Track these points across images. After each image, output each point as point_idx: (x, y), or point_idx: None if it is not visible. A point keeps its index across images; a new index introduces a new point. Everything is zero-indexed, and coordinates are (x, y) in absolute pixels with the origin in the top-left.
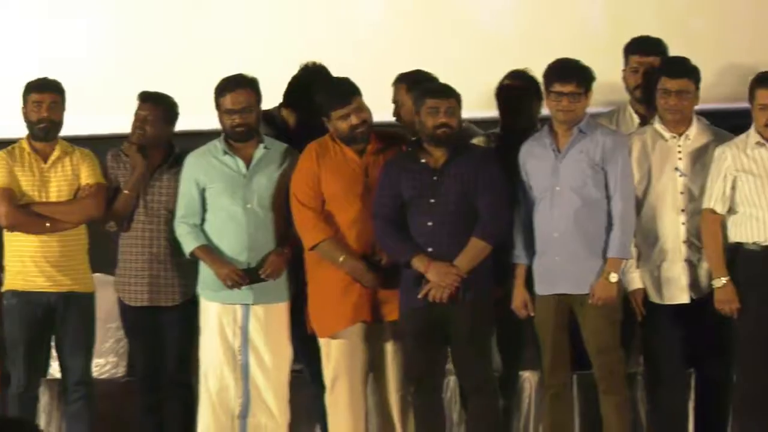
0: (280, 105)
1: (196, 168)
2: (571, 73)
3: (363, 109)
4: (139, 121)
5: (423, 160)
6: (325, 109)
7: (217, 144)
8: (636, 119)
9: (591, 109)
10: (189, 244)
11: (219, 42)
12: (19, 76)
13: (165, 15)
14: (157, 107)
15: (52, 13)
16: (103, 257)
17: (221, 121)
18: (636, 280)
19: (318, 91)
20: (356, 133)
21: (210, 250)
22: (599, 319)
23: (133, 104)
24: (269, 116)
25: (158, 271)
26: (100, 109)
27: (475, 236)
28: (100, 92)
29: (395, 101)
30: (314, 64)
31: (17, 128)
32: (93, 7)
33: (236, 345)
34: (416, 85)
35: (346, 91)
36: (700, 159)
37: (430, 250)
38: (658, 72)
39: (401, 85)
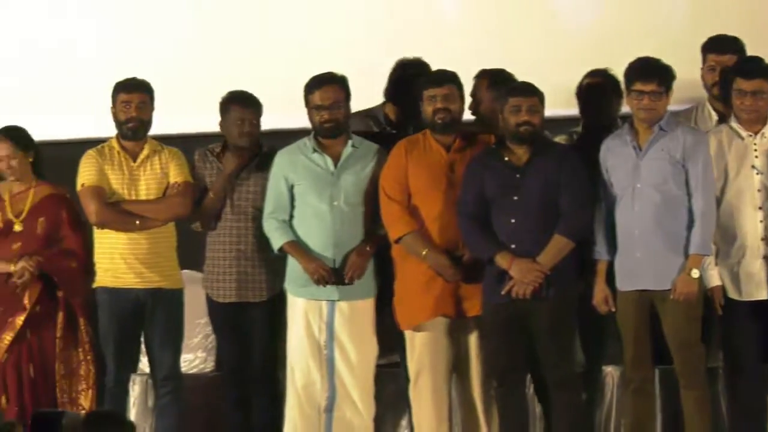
0: (383, 103)
1: (285, 165)
2: (652, 72)
3: (453, 99)
4: (246, 124)
5: (506, 158)
6: (419, 90)
7: (307, 142)
8: (714, 116)
9: (671, 106)
10: (278, 239)
11: (300, 42)
12: (109, 76)
13: (247, 15)
14: (257, 110)
15: (139, 13)
16: (191, 254)
17: (310, 117)
18: (715, 277)
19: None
20: (437, 119)
21: (298, 246)
22: (680, 315)
23: (217, 103)
24: (372, 115)
25: (245, 268)
26: (187, 109)
27: (558, 233)
28: (188, 92)
29: (473, 95)
30: (414, 58)
31: (106, 128)
32: (179, 7)
33: (322, 340)
34: (498, 82)
35: (443, 76)
36: None
37: (513, 246)
38: (732, 72)
39: (483, 80)
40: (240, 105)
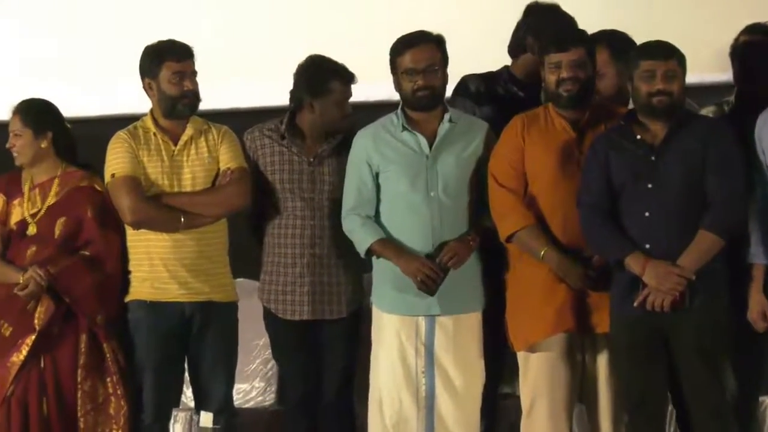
0: (506, 66)
1: (368, 148)
2: None
3: (583, 65)
4: (348, 104)
5: (638, 137)
6: (541, 53)
7: (394, 118)
8: None
9: None
10: (365, 239)
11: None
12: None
13: None
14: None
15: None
16: (246, 259)
17: (399, 85)
18: None
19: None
20: (563, 91)
21: (392, 243)
22: None
23: (282, 72)
24: (495, 76)
25: (322, 277)
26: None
27: (704, 228)
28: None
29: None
30: (548, 3)
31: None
32: None
33: (419, 366)
34: (622, 50)
35: (570, 36)
36: None
37: (647, 246)
38: None
39: (602, 48)
40: (342, 81)
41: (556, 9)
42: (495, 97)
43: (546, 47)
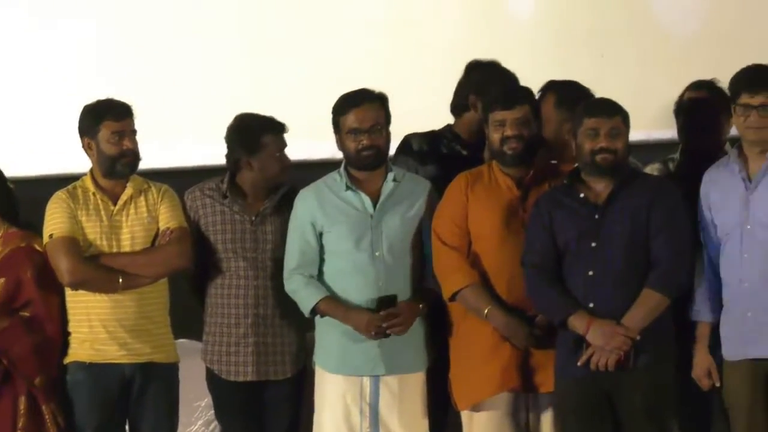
0: (449, 124)
1: (311, 207)
2: (761, 82)
3: (527, 123)
4: (284, 156)
5: (582, 195)
6: (485, 110)
7: (337, 177)
8: None
9: None
10: (310, 298)
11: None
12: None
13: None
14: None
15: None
16: (188, 319)
17: (343, 144)
18: None
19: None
20: (507, 149)
21: (338, 301)
22: None
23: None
24: (438, 135)
25: (266, 338)
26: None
27: (649, 287)
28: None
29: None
30: (489, 61)
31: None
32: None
33: (363, 427)
34: (568, 99)
35: (515, 94)
36: None
37: (591, 305)
38: None
39: (549, 95)
40: (274, 132)
41: (497, 66)
42: (438, 155)
43: (491, 105)
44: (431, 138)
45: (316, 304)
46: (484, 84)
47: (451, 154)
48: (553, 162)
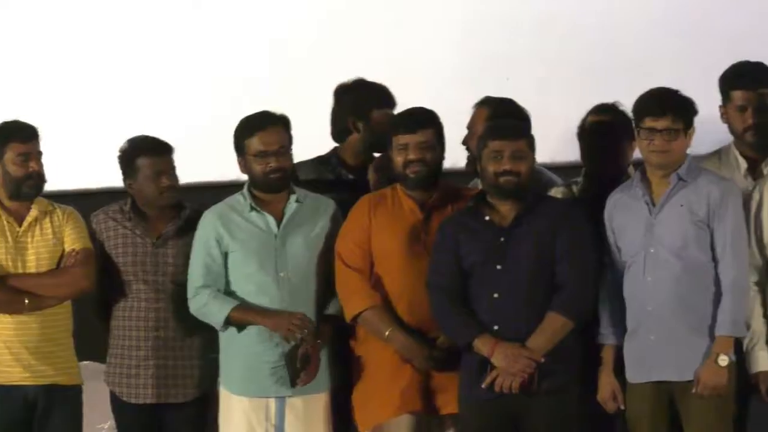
0: (335, 148)
1: (216, 227)
2: (666, 105)
3: (429, 147)
4: (164, 177)
5: (487, 217)
6: (389, 132)
7: (240, 198)
8: (743, 164)
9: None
10: (221, 309)
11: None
12: None
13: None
14: (172, 157)
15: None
16: (92, 341)
17: (249, 168)
18: (764, 359)
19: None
20: (409, 173)
21: (251, 307)
22: (707, 413)
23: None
24: (324, 161)
25: (167, 360)
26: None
27: (554, 310)
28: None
29: (470, 128)
30: (354, 80)
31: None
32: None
33: None
34: (500, 114)
35: (418, 119)
36: None
37: (496, 328)
38: None
39: (483, 109)
40: (149, 155)
41: (362, 82)
42: (325, 182)
43: (394, 128)
44: (317, 164)
45: (230, 313)
46: (359, 102)
47: (337, 179)
48: (457, 186)
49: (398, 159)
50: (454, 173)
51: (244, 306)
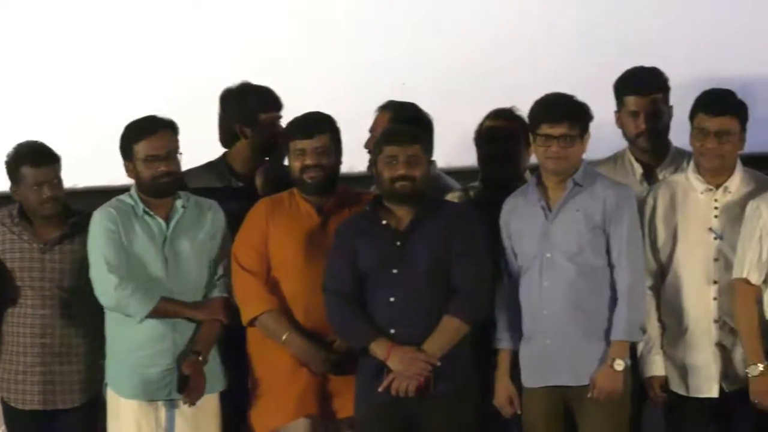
0: (224, 154)
1: (115, 221)
2: (561, 111)
3: (326, 152)
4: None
5: (384, 222)
6: (285, 137)
7: (129, 200)
8: (639, 169)
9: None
10: (146, 303)
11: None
12: None
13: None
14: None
15: None
16: None
17: (136, 172)
18: (657, 365)
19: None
20: (306, 178)
21: (173, 300)
22: (602, 418)
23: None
24: (212, 167)
25: (53, 366)
26: None
27: (449, 314)
28: None
29: (372, 131)
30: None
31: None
32: None
33: None
34: (401, 119)
35: (315, 124)
36: (741, 218)
37: (392, 331)
38: (694, 108)
39: (385, 113)
40: (32, 164)
41: (248, 87)
42: (214, 190)
43: (291, 133)
44: (205, 171)
45: (157, 305)
46: (243, 108)
47: (226, 188)
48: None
49: (295, 164)
50: (353, 178)
51: (168, 300)
